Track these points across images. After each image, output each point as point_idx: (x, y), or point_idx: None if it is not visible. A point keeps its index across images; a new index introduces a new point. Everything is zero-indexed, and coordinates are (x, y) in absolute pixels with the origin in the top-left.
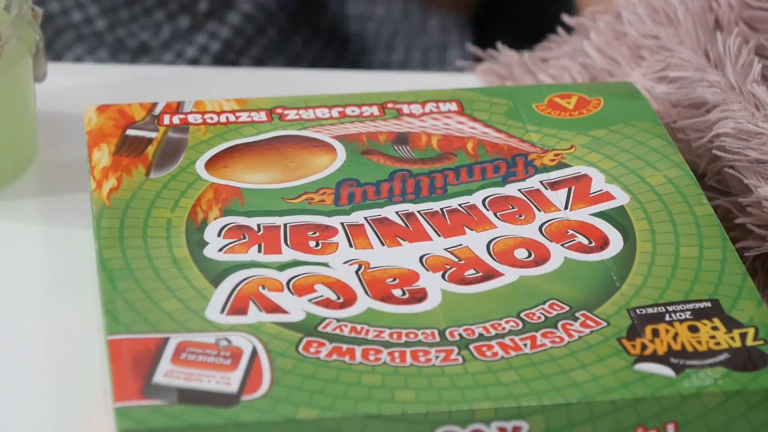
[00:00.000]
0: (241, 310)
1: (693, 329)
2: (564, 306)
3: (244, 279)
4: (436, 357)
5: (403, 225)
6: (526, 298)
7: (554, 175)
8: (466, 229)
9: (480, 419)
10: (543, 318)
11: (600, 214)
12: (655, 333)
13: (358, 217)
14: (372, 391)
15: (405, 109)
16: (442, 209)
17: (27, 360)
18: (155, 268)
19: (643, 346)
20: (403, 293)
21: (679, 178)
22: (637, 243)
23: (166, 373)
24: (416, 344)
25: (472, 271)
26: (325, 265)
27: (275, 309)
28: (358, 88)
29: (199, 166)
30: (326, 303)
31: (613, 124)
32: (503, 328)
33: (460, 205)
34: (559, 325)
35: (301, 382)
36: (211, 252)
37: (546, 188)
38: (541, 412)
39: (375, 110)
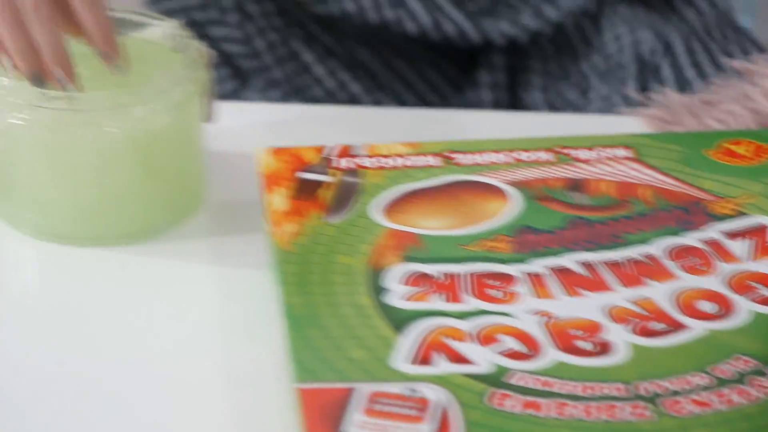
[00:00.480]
0: (427, 360)
1: None
2: (752, 361)
3: (428, 328)
4: (628, 412)
5: (584, 274)
6: (712, 353)
7: (733, 224)
8: (647, 280)
9: None
10: (732, 373)
11: None
12: None
13: (537, 265)
14: None
15: (576, 154)
16: (621, 258)
17: (208, 401)
18: (340, 315)
19: None
20: (590, 345)
21: None
22: None
23: (360, 425)
24: (606, 398)
25: (659, 325)
26: (507, 314)
27: (461, 359)
28: (516, 129)
29: (376, 211)
30: (514, 354)
31: None
32: (693, 383)
33: (639, 254)
34: (748, 380)
35: None
36: (393, 299)
37: (725, 238)
38: None
39: (548, 156)
